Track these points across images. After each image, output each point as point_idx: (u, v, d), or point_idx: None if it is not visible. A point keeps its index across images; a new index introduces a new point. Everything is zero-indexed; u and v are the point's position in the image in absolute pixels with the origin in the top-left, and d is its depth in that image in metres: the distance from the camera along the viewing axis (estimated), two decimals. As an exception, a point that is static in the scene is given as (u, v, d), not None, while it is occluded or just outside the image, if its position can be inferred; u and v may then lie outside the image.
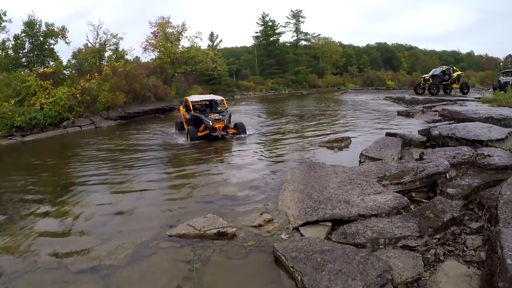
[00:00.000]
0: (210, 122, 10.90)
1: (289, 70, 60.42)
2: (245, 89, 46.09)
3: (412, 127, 10.07)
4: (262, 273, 3.11)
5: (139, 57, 34.53)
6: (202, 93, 29.94)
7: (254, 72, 61.60)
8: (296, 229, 3.82)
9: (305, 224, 3.83)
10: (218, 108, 13.24)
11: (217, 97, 14.07)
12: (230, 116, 12.08)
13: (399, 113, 15.08)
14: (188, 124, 12.05)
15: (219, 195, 5.37)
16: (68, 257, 3.71)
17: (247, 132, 11.91)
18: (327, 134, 10.79)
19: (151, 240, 3.89)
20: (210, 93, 26.52)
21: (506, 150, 5.62)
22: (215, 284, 3.04)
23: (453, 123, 8.88)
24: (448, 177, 4.81)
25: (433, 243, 3.27)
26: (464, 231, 3.51)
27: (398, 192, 4.49)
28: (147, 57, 42.09)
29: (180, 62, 35.98)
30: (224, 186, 5.81)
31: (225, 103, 13.52)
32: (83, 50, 33.05)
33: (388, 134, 8.19)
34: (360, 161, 6.60)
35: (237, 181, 6.15)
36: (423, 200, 4.41)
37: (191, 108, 12.39)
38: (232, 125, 12.02)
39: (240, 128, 11.83)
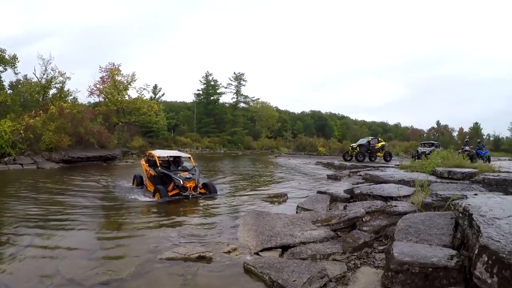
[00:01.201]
0: (181, 181, 10.49)
1: (226, 130, 63.21)
2: (182, 145, 47.53)
3: (339, 188, 11.93)
4: (239, 278, 4.44)
5: (76, 98, 34.49)
6: (143, 145, 30.71)
7: (191, 129, 63.68)
8: (256, 253, 5.24)
9: (262, 250, 5.29)
10: (183, 165, 12.83)
11: (184, 154, 13.64)
12: (199, 175, 11.88)
13: (329, 176, 17.15)
14: (153, 181, 11.52)
15: (188, 235, 6.55)
16: (76, 275, 4.53)
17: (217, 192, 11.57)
18: (267, 191, 12.29)
19: (146, 262, 4.97)
20: (150, 145, 27.12)
21: (409, 202, 7.56)
22: (206, 285, 4.29)
23: (373, 184, 10.86)
24: (364, 220, 6.57)
25: (353, 257, 4.90)
26: (374, 251, 5.20)
27: (328, 230, 6.15)
28: (86, 100, 42.09)
29: (125, 112, 36.74)
30: (191, 229, 6.99)
31: (192, 160, 12.84)
32: (23, 83, 32.39)
33: (319, 192, 9.98)
34: (297, 212, 8.23)
35: (201, 226, 7.38)
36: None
37: (158, 164, 11.67)
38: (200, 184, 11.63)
39: (211, 188, 11.46)
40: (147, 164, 12.61)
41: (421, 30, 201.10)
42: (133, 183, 13.26)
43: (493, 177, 9.17)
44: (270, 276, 4.11)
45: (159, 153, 12.96)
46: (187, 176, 10.77)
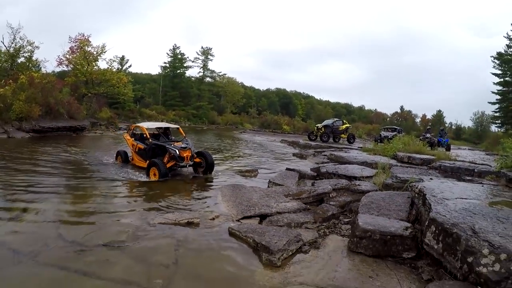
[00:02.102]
0: (177, 150, 9.99)
1: (191, 104, 63.14)
2: (147, 117, 47.24)
3: (305, 166, 12.69)
4: (226, 240, 5.10)
5: (41, 67, 33.25)
6: (111, 117, 30.57)
7: (157, 102, 63.33)
8: (238, 220, 5.93)
9: (243, 218, 6.01)
10: (171, 137, 12.05)
11: (172, 125, 13.05)
12: (193, 144, 11.19)
13: (294, 155, 18.02)
14: (143, 155, 10.91)
15: (173, 204, 7.02)
16: (78, 238, 4.94)
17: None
18: (238, 167, 12.87)
19: (140, 227, 5.49)
20: (117, 117, 27.06)
21: (371, 182, 8.43)
22: (198, 246, 4.89)
23: (337, 164, 11.71)
24: (331, 196, 7.38)
25: (322, 226, 5.70)
26: (340, 222, 6.01)
27: (300, 203, 6.94)
28: (53, 69, 40.63)
29: (94, 83, 36.23)
30: (175, 200, 7.45)
31: (182, 131, 12.19)
32: None
33: (288, 169, 10.73)
34: (268, 186, 8.95)
35: (184, 197, 7.87)
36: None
37: (148, 136, 11.03)
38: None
39: (207, 156, 10.89)
40: (133, 139, 11.81)
41: (387, 15, 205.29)
42: (116, 159, 12.41)
43: (448, 164, 10.18)
44: (254, 239, 4.81)
45: (148, 125, 12.13)
46: (183, 146, 10.31)
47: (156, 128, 12.30)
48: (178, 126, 12.69)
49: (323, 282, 3.83)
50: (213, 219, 6.02)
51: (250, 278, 4.00)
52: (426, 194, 5.04)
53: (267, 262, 4.31)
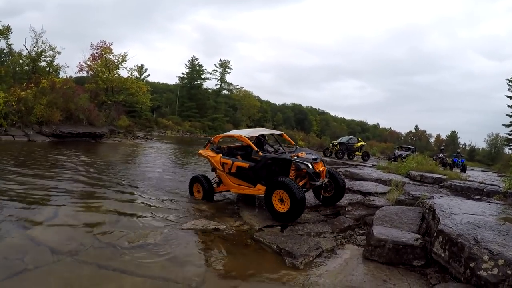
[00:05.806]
0: (309, 164, 6.97)
1: (207, 115, 64.04)
2: (163, 127, 48.04)
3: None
4: (250, 246, 5.59)
5: (59, 72, 33.50)
6: (129, 125, 31.11)
7: (173, 112, 64.23)
8: (261, 229, 6.41)
9: (265, 227, 6.49)
10: (267, 148, 8.85)
11: (274, 131, 9.65)
12: None
13: (310, 170, 18.43)
14: (247, 177, 7.61)
15: (199, 213, 7.40)
16: (112, 240, 5.36)
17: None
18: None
19: (171, 231, 5.96)
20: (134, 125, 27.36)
21: (385, 198, 8.86)
22: (226, 250, 5.37)
23: (352, 180, 12.11)
24: (347, 209, 7.83)
25: (339, 236, 6.16)
26: (356, 233, 6.49)
27: (318, 215, 7.41)
28: (74, 75, 41.78)
29: (114, 91, 37.04)
30: (200, 209, 7.74)
31: (288, 137, 9.28)
32: (8, 53, 32.01)
33: (305, 184, 11.22)
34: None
35: (207, 207, 8.03)
36: (333, 221, 7.34)
37: (255, 148, 7.68)
38: None
39: (338, 179, 7.74)
40: (220, 154, 8.33)
41: (400, 37, 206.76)
42: (191, 192, 8.86)
43: (459, 184, 10.50)
44: (278, 245, 5.31)
45: (246, 133, 8.37)
46: (313, 157, 7.42)
47: (259, 135, 8.71)
48: (282, 132, 9.46)
49: (342, 283, 4.30)
50: (238, 226, 6.51)
51: (276, 278, 4.49)
52: (435, 209, 5.47)
53: (290, 265, 4.80)
